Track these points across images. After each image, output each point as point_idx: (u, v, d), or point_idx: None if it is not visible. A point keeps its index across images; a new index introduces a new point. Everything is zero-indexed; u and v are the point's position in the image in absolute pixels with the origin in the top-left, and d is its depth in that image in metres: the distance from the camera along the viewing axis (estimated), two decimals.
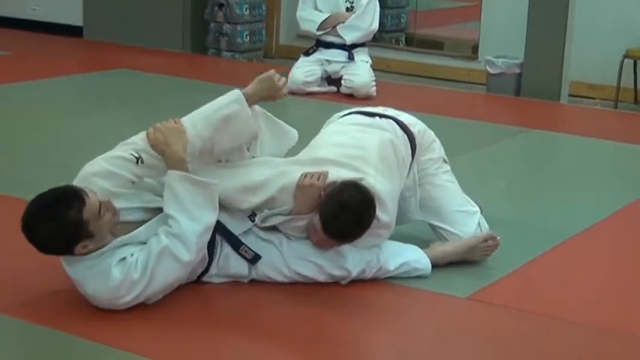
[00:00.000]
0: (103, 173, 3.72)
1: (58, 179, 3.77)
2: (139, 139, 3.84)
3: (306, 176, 3.94)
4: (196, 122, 3.86)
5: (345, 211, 3.81)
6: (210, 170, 3.88)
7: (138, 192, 3.79)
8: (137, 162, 3.76)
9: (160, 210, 3.75)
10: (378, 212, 3.93)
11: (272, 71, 4.06)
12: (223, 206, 3.90)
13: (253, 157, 4.09)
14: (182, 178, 3.71)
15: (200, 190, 3.72)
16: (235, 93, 3.93)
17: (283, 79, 4.07)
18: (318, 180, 3.93)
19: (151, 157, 3.78)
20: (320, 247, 3.98)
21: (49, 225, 3.49)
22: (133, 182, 3.76)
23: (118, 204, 3.67)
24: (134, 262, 3.63)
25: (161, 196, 3.75)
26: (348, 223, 3.85)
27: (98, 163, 3.76)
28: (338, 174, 3.97)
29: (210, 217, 3.74)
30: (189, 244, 3.67)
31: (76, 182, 3.71)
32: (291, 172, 3.98)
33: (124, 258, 3.64)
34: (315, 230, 3.92)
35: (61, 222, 3.48)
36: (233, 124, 3.89)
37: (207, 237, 3.77)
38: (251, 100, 3.96)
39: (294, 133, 4.25)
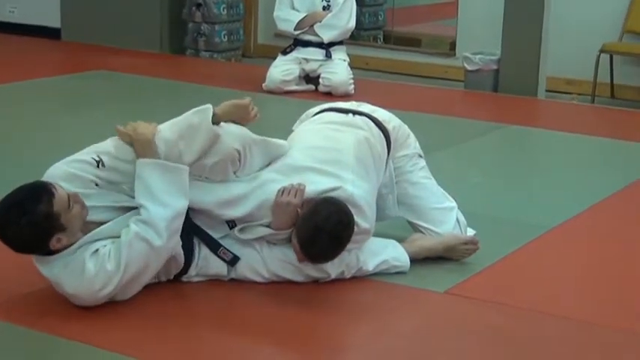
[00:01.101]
0: (64, 176, 3.73)
1: (31, 178, 3.75)
2: (104, 143, 3.87)
3: (283, 193, 3.93)
4: (163, 127, 3.87)
5: (321, 235, 3.79)
6: (190, 184, 3.85)
7: (106, 192, 3.79)
8: (97, 165, 3.77)
9: (130, 209, 3.76)
10: (357, 219, 3.93)
11: (247, 99, 4.05)
12: (201, 211, 3.92)
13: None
14: (151, 165, 3.74)
15: (169, 176, 3.74)
16: (206, 107, 3.90)
17: (256, 108, 4.07)
18: (295, 197, 3.91)
19: (113, 159, 3.80)
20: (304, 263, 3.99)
21: (21, 221, 3.51)
22: (97, 184, 3.76)
23: (87, 202, 3.69)
24: (107, 253, 3.65)
25: (131, 197, 3.77)
26: (325, 246, 3.83)
27: (59, 167, 3.78)
28: (315, 187, 3.95)
29: (180, 202, 3.76)
30: (158, 228, 3.68)
31: None
32: (269, 185, 3.97)
33: (97, 250, 3.66)
34: (296, 251, 3.92)
35: (32, 217, 3.51)
36: (196, 133, 3.84)
37: (179, 222, 3.77)
38: (219, 119, 3.91)
39: (284, 149, 4.16)
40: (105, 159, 3.79)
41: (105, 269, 3.64)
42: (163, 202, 3.71)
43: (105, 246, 3.68)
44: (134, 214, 3.74)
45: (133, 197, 3.76)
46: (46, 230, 3.56)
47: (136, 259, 3.68)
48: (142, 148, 3.77)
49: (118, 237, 3.69)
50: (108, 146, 3.85)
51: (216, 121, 3.86)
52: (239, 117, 4.01)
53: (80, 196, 3.64)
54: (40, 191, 3.55)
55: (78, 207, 3.62)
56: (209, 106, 3.89)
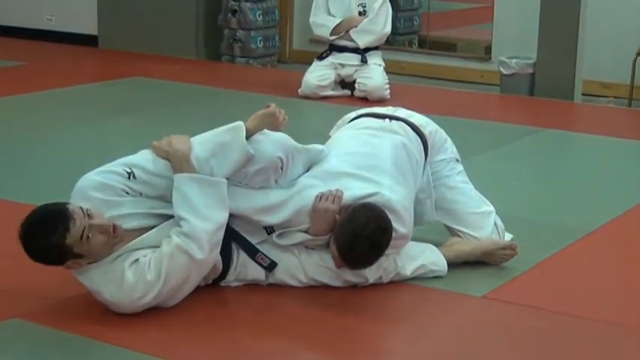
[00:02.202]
0: (95, 186, 3.75)
1: (73, 186, 3.81)
2: (136, 155, 3.89)
3: (320, 198, 3.93)
4: (194, 141, 3.88)
5: (360, 241, 3.79)
6: (229, 189, 3.86)
7: (141, 199, 3.80)
8: (129, 177, 3.78)
9: (167, 216, 3.78)
10: (395, 225, 3.92)
11: (273, 107, 4.04)
12: (239, 216, 3.93)
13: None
14: (190, 180, 3.75)
15: (209, 189, 3.76)
16: (238, 125, 3.89)
17: (283, 112, 4.06)
18: (332, 203, 3.92)
19: (146, 172, 3.80)
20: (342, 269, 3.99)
21: (34, 243, 3.55)
22: (127, 193, 3.77)
23: (121, 210, 3.72)
24: (147, 263, 3.67)
25: (168, 202, 3.78)
26: (364, 252, 3.83)
27: (90, 178, 3.79)
28: (353, 192, 3.95)
29: (220, 215, 3.77)
30: (201, 241, 3.69)
31: (73, 196, 3.75)
32: (307, 190, 3.97)
33: (137, 260, 3.68)
34: (334, 257, 3.93)
35: (45, 242, 3.54)
36: (229, 151, 3.85)
37: (220, 235, 3.79)
38: (251, 133, 3.90)
39: (323, 154, 4.17)
40: (136, 172, 3.80)
41: (145, 279, 3.66)
42: (204, 215, 3.72)
43: (145, 256, 3.69)
44: (173, 223, 3.75)
45: (170, 203, 3.78)
46: (57, 257, 3.60)
47: (177, 271, 3.70)
48: (179, 163, 3.78)
49: (158, 246, 3.71)
50: (140, 159, 3.86)
51: (248, 136, 3.86)
52: (269, 125, 4.00)
53: (112, 225, 3.62)
54: (56, 222, 3.53)
55: (101, 237, 3.59)
56: (241, 124, 3.88)
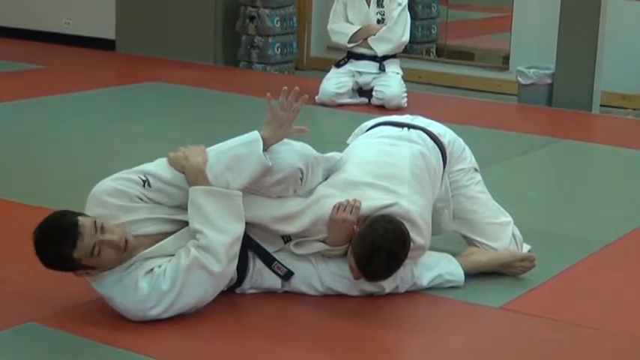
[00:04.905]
0: (110, 192, 3.74)
1: (89, 190, 3.81)
2: (152, 164, 3.87)
3: (338, 208, 3.91)
4: (210, 152, 3.84)
5: (378, 254, 3.76)
6: (245, 198, 3.84)
7: (157, 205, 3.79)
8: (144, 185, 3.77)
9: (183, 222, 3.76)
10: (413, 235, 3.90)
11: (267, 97, 3.91)
12: (256, 225, 3.91)
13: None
14: (205, 193, 3.72)
15: (224, 202, 3.73)
16: (255, 138, 3.83)
17: (289, 100, 3.88)
18: (350, 214, 3.89)
19: (160, 182, 3.79)
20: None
21: (45, 252, 3.56)
22: (142, 200, 3.76)
23: (137, 215, 3.71)
24: (162, 273, 3.66)
25: (184, 208, 3.76)
26: (382, 265, 3.80)
27: (105, 184, 3.78)
28: (371, 203, 3.93)
29: (237, 228, 3.75)
30: (218, 254, 3.68)
31: (88, 202, 3.75)
32: (325, 200, 3.95)
33: (152, 269, 3.67)
34: (352, 269, 3.90)
35: (54, 253, 3.55)
36: (245, 164, 3.81)
37: (237, 247, 3.77)
38: (268, 143, 3.85)
39: (342, 163, 4.13)
40: (152, 180, 3.79)
41: (159, 289, 3.65)
42: (221, 228, 3.70)
43: (160, 266, 3.68)
44: (189, 231, 3.72)
45: (185, 209, 3.76)
46: (69, 267, 3.61)
47: (193, 285, 3.67)
48: (195, 176, 3.75)
49: (173, 255, 3.69)
50: (156, 168, 3.84)
51: (265, 147, 3.83)
52: (282, 122, 3.87)
53: (128, 240, 3.60)
54: (66, 238, 3.53)
55: (112, 252, 3.58)
56: (257, 136, 3.82)
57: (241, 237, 3.78)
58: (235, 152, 3.83)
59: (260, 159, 3.80)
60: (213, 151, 3.88)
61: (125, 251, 3.62)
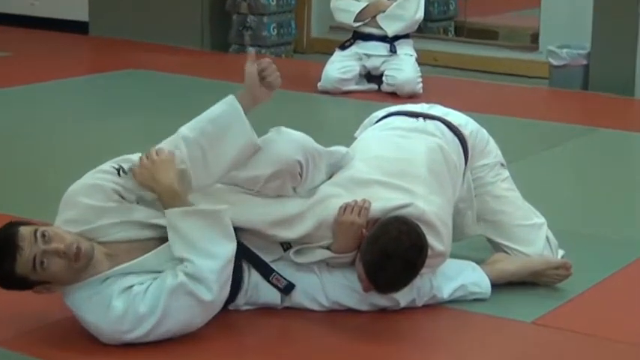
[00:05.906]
0: (84, 190, 3.74)
1: (61, 192, 3.81)
2: (131, 155, 3.86)
3: (345, 210, 3.90)
4: (184, 127, 3.86)
5: (391, 261, 3.75)
6: (237, 198, 3.85)
7: (134, 206, 3.78)
8: (118, 172, 3.77)
9: (163, 228, 3.72)
10: (431, 241, 3.89)
11: (249, 55, 3.92)
12: (251, 231, 3.90)
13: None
14: (184, 215, 3.68)
15: (208, 222, 3.69)
16: (229, 98, 3.87)
17: (265, 62, 3.87)
18: (359, 216, 3.88)
19: (135, 165, 3.79)
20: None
21: None
22: (121, 195, 3.75)
23: (109, 218, 3.70)
24: (141, 292, 3.63)
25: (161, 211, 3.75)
26: (395, 274, 3.79)
27: (79, 182, 3.80)
28: (382, 204, 3.92)
29: (227, 249, 3.71)
30: (208, 283, 3.64)
31: (60, 205, 3.76)
32: (329, 201, 3.94)
33: (131, 287, 3.64)
34: (361, 279, 3.88)
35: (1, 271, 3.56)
36: (221, 124, 3.81)
37: (230, 269, 3.73)
38: (245, 102, 3.84)
39: (348, 158, 4.13)
40: (126, 166, 3.77)
41: (135, 311, 3.62)
42: (208, 252, 3.66)
43: (142, 283, 3.65)
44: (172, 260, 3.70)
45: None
46: (20, 285, 3.61)
47: (177, 311, 3.64)
48: (170, 198, 3.71)
49: (155, 272, 3.67)
50: (132, 156, 3.84)
51: (245, 110, 3.81)
52: (258, 89, 3.85)
53: (80, 248, 3.56)
54: (4, 252, 3.53)
55: (60, 262, 3.55)
56: (232, 96, 3.83)
57: (233, 257, 3.74)
58: (209, 115, 3.83)
59: (239, 116, 3.77)
60: (183, 129, 3.85)
61: (78, 261, 3.57)
